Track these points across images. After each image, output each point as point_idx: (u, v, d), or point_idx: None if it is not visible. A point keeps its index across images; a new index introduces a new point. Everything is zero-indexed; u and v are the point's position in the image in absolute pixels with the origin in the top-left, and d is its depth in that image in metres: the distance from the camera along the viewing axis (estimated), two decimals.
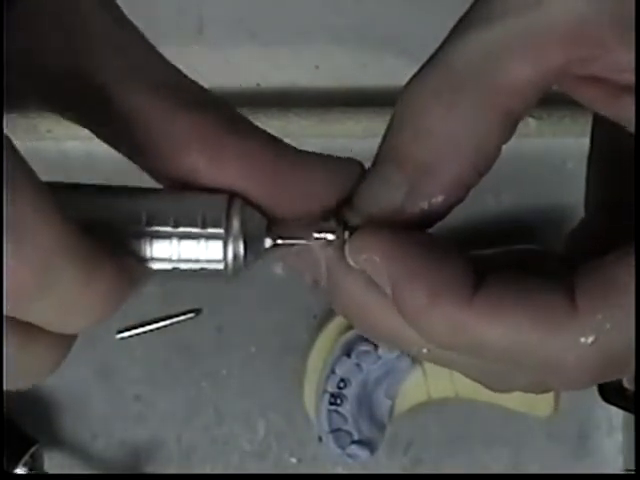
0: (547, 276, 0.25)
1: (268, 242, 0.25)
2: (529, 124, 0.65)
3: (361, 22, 0.67)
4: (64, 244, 0.21)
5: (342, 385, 0.62)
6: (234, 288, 0.69)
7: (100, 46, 0.25)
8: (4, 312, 0.21)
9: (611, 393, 0.63)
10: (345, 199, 0.26)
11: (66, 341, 0.23)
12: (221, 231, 0.24)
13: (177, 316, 0.69)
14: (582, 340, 0.24)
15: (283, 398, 0.69)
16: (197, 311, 0.69)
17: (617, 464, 0.69)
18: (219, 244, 0.24)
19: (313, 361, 0.67)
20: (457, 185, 0.26)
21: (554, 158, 0.68)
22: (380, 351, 0.61)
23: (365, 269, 0.25)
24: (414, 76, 0.26)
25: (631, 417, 0.66)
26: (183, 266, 0.24)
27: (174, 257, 0.24)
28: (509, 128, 0.25)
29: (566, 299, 0.24)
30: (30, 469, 0.63)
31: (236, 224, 0.24)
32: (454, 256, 0.25)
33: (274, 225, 0.26)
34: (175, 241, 0.24)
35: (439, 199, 0.26)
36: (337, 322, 0.66)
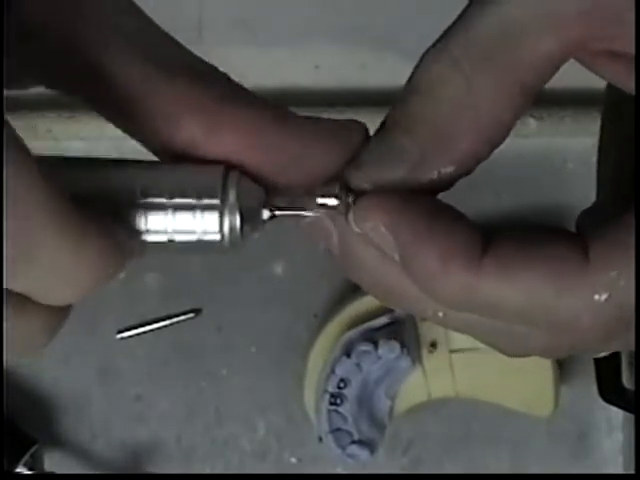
0: (557, 234, 0.24)
1: (266, 213, 0.25)
2: (529, 124, 0.65)
3: (361, 22, 0.67)
4: (50, 214, 0.20)
5: (342, 385, 0.62)
6: (234, 288, 0.69)
7: (91, 16, 0.24)
8: None
9: (611, 393, 0.63)
10: (348, 161, 0.25)
11: (60, 313, 0.23)
12: (217, 202, 0.24)
13: (177, 316, 0.69)
14: (596, 297, 0.23)
15: (283, 398, 0.69)
16: (197, 311, 0.69)
17: (617, 464, 0.69)
18: (215, 215, 0.24)
19: (313, 361, 0.67)
20: (470, 157, 0.25)
21: (554, 158, 0.68)
22: (380, 351, 0.61)
23: (371, 236, 0.25)
24: (433, 45, 0.25)
25: (631, 417, 0.66)
26: (179, 238, 0.24)
27: (169, 229, 0.23)
28: (525, 102, 0.25)
29: (578, 255, 0.24)
30: (30, 469, 0.63)
31: (232, 195, 0.24)
32: (460, 219, 0.25)
33: (274, 196, 0.25)
34: (170, 213, 0.23)
35: (449, 170, 0.25)
36: (337, 322, 0.66)
